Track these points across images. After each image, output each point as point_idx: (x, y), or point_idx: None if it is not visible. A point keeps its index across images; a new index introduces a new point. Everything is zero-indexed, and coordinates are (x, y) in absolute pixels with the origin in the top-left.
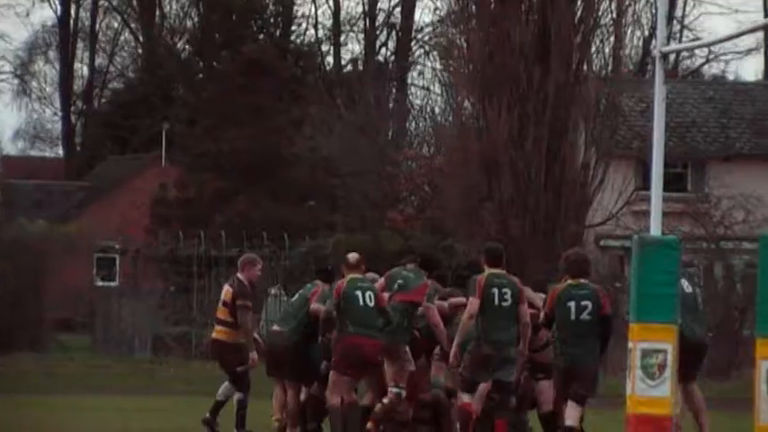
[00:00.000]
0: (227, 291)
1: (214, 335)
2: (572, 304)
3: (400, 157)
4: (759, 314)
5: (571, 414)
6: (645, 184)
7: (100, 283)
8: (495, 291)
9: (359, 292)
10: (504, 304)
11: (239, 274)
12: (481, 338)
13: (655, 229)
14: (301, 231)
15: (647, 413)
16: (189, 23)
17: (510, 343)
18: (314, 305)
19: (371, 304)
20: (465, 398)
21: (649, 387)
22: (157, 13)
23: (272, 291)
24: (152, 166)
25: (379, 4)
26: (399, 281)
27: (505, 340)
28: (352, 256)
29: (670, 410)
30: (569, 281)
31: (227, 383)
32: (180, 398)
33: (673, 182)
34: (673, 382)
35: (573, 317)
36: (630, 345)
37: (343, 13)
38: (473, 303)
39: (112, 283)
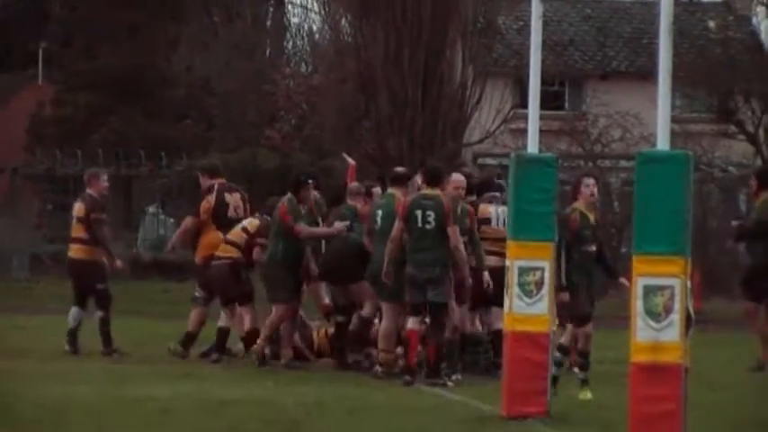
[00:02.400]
0: (79, 207)
1: (71, 254)
2: (419, 213)
3: (278, 76)
4: (636, 232)
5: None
6: (522, 102)
7: None
8: (419, 213)
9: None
10: (428, 226)
11: (88, 190)
12: (407, 259)
13: (532, 147)
14: (178, 150)
15: (524, 330)
16: None
17: (433, 264)
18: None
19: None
20: (409, 323)
21: (527, 305)
22: None
23: (150, 209)
24: (28, 84)
25: None
26: None
27: (428, 261)
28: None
29: (548, 327)
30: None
31: (74, 309)
32: (56, 316)
33: (550, 100)
34: (550, 299)
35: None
36: (508, 263)
37: None
38: (396, 227)
39: None
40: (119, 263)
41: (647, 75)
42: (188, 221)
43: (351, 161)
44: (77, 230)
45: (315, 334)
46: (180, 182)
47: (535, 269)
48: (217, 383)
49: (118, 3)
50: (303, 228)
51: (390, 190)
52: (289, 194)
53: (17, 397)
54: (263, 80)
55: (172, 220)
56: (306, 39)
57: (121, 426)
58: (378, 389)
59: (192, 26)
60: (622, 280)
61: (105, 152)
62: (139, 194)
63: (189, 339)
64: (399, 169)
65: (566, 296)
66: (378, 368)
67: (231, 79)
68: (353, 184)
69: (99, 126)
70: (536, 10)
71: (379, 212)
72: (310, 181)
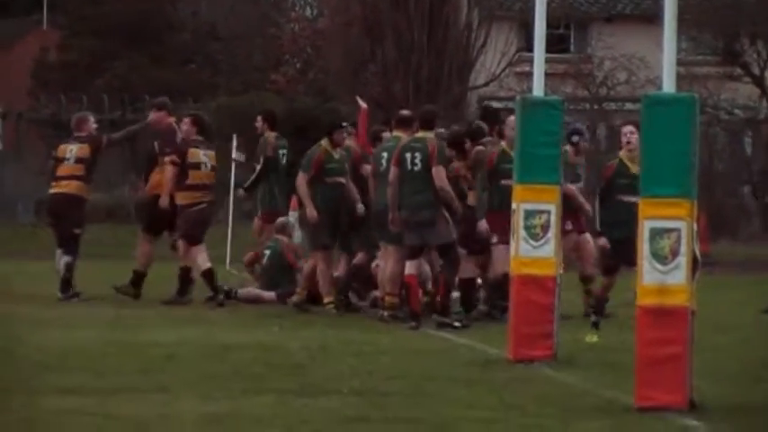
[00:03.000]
0: (79, 148)
1: (57, 189)
2: (408, 156)
3: (283, 20)
4: (642, 175)
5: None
6: (527, 45)
7: None
8: (408, 155)
9: None
10: (416, 168)
11: (78, 133)
12: (401, 203)
13: (538, 89)
14: (184, 95)
15: (531, 273)
16: None
17: (423, 206)
18: None
19: None
20: (407, 267)
21: (533, 248)
22: None
23: None
24: (33, 29)
25: None
26: None
27: (418, 203)
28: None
29: (554, 270)
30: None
31: (59, 256)
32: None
33: (555, 43)
34: (557, 242)
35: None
36: (514, 206)
37: None
38: (392, 171)
39: None
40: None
41: (652, 17)
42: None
43: (363, 105)
44: (75, 170)
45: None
46: None
47: (541, 212)
48: (222, 328)
49: None
50: (301, 180)
51: (396, 132)
52: (324, 140)
53: (20, 341)
54: (268, 24)
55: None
56: None
57: (124, 371)
58: (383, 333)
59: None
60: None
61: (110, 97)
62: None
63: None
64: (405, 112)
65: (603, 241)
66: (383, 312)
67: (236, 24)
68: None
69: (104, 71)
70: None
71: (385, 155)
72: (344, 124)
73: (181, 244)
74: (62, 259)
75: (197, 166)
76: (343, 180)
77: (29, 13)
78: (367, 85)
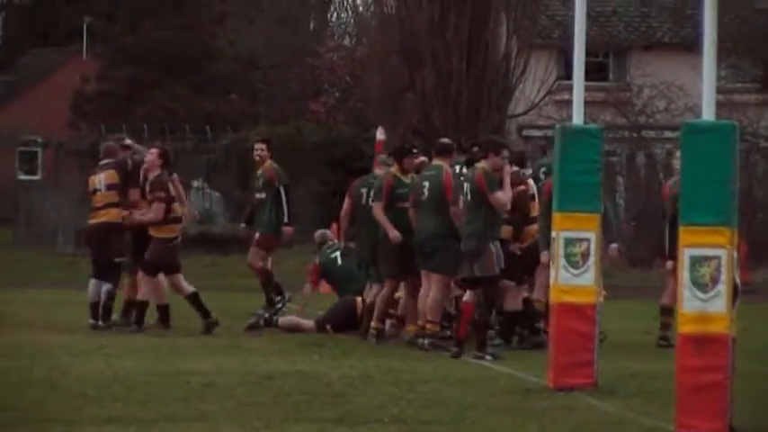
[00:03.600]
0: (107, 174)
1: (96, 220)
2: (426, 183)
3: (322, 49)
4: (682, 203)
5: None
6: (566, 73)
7: (22, 177)
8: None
9: None
10: (468, 198)
11: (107, 160)
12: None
13: (577, 118)
14: (223, 124)
15: (570, 302)
16: None
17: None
18: None
19: None
20: (466, 296)
21: (573, 276)
22: None
23: (195, 183)
24: (73, 59)
25: None
26: None
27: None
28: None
29: (594, 298)
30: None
31: (94, 286)
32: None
33: (594, 71)
34: (597, 270)
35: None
36: (554, 234)
37: None
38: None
39: (35, 177)
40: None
41: (690, 45)
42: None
43: (381, 137)
44: (107, 198)
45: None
46: (225, 156)
47: (581, 240)
48: (262, 356)
49: None
50: (378, 209)
51: (436, 161)
52: (446, 164)
53: (61, 371)
54: (307, 53)
55: (217, 193)
56: (349, 11)
57: (165, 400)
58: (424, 361)
59: (236, 1)
60: None
61: (150, 127)
62: (184, 169)
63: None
64: (445, 140)
65: (671, 264)
66: (424, 340)
67: (276, 53)
68: (382, 156)
69: (143, 100)
70: None
71: (426, 184)
72: (415, 150)
73: (143, 276)
74: (103, 287)
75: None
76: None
77: (69, 42)
78: (406, 113)
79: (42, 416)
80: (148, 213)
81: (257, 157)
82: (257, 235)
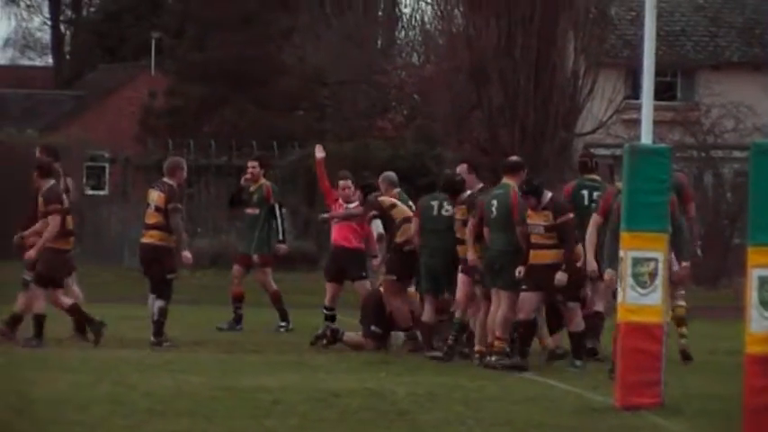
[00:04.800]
0: (158, 196)
1: (146, 240)
2: (494, 202)
3: (389, 67)
4: (751, 223)
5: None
6: (634, 92)
7: (90, 192)
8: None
9: None
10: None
11: (167, 179)
12: None
13: (646, 137)
14: (290, 140)
15: (638, 321)
16: None
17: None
18: None
19: None
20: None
21: (640, 295)
22: None
23: None
24: (141, 74)
25: None
26: None
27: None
28: None
29: (661, 318)
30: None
31: (152, 301)
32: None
33: (662, 90)
34: (664, 290)
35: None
36: (622, 253)
37: None
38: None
39: (102, 192)
40: (187, 254)
41: (759, 65)
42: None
43: (320, 154)
44: (154, 218)
45: None
46: (292, 172)
47: (649, 260)
48: (328, 373)
49: None
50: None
51: (505, 180)
52: (514, 183)
53: (127, 386)
54: (374, 71)
55: (284, 210)
56: (417, 29)
57: (231, 415)
58: (490, 379)
59: (304, 17)
60: None
61: (217, 142)
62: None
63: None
64: (513, 158)
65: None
66: (491, 357)
67: (343, 70)
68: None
69: (211, 117)
70: (649, 0)
71: (495, 203)
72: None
73: (36, 289)
74: (155, 304)
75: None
76: None
77: (136, 58)
78: (473, 131)
79: (109, 431)
80: (47, 232)
81: (249, 175)
82: (255, 257)
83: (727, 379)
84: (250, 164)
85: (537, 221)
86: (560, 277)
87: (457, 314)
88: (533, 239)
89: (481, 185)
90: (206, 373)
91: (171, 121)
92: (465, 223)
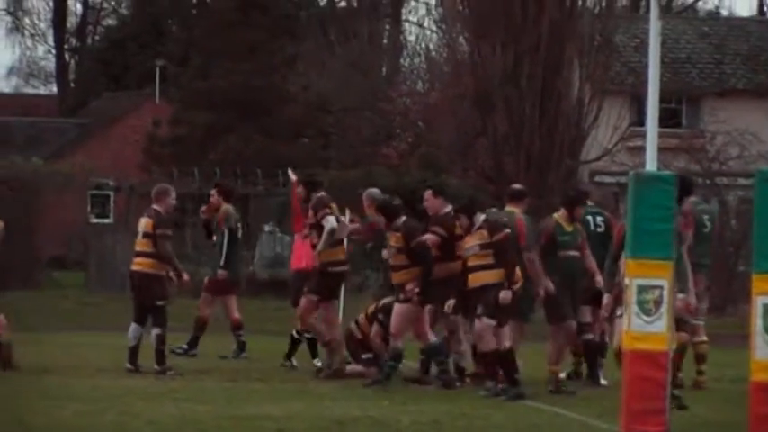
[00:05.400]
0: (146, 222)
1: (135, 267)
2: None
3: (394, 94)
4: (756, 250)
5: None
6: (639, 119)
7: (94, 221)
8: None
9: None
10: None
11: (155, 206)
12: None
13: (650, 165)
14: (295, 168)
15: (643, 349)
16: None
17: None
18: None
19: None
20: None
21: (645, 323)
22: None
23: (267, 227)
24: (146, 103)
25: None
26: None
27: None
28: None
29: (666, 346)
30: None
31: (133, 326)
32: (173, 334)
33: (667, 117)
34: (669, 318)
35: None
36: (627, 281)
37: None
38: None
39: (106, 221)
40: (186, 276)
41: (764, 92)
42: None
43: (294, 177)
44: (143, 245)
45: None
46: None
47: (654, 287)
48: (332, 401)
49: (235, 22)
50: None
51: (509, 207)
52: (561, 212)
53: (133, 414)
54: (379, 98)
55: (288, 238)
56: (422, 57)
57: None
58: (496, 408)
59: (308, 45)
60: None
61: (222, 170)
62: (256, 213)
63: None
64: (517, 186)
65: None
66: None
67: (348, 97)
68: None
69: (216, 145)
70: (654, 27)
71: None
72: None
73: None
74: (153, 331)
75: None
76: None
77: (141, 86)
78: (478, 159)
79: None
80: None
81: (210, 203)
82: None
83: (732, 406)
84: (211, 191)
85: (472, 243)
86: (504, 295)
87: (392, 342)
88: (470, 262)
89: (449, 208)
90: (211, 402)
91: (175, 149)
92: (399, 250)
